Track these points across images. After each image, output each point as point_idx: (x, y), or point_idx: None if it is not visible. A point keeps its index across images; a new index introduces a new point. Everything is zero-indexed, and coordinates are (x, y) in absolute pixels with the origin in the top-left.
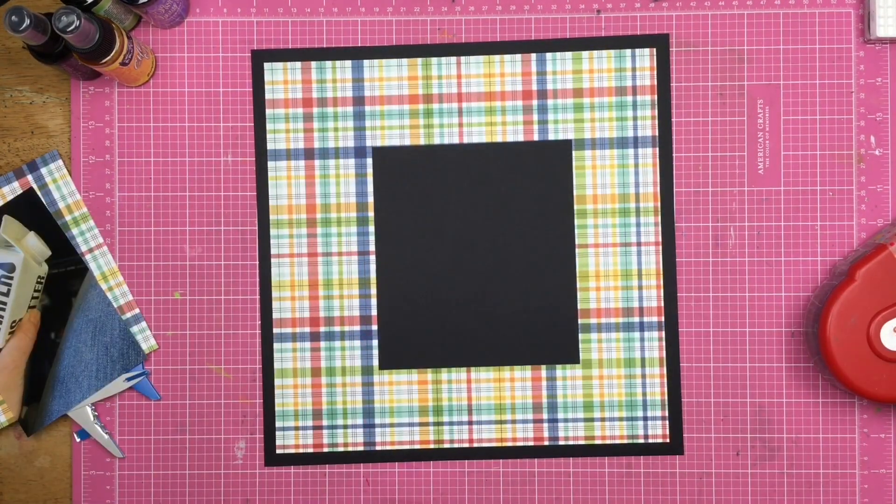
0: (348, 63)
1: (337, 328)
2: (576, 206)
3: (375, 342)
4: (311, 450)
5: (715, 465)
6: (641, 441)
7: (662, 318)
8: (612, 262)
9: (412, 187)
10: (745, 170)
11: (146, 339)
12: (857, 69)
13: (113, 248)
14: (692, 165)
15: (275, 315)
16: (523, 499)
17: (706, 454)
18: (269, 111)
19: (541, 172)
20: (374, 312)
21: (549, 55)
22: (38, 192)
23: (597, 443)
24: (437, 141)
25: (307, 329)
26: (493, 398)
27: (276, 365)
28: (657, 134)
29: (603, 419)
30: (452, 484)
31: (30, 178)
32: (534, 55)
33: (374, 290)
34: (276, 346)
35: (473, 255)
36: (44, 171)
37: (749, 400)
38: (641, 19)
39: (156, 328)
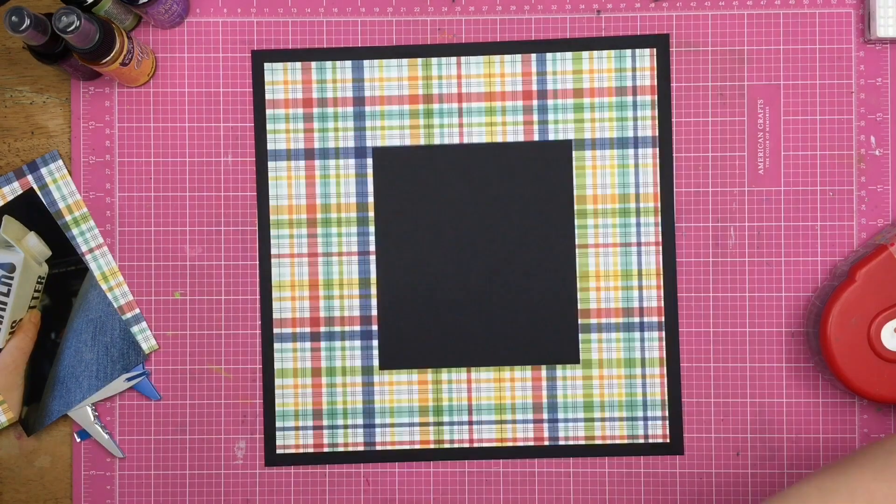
0: (348, 63)
1: (337, 328)
2: (576, 206)
3: (375, 342)
4: (311, 450)
5: (715, 465)
6: (641, 441)
7: (662, 318)
8: (612, 262)
9: (412, 187)
10: (745, 170)
11: (146, 339)
12: (857, 69)
13: (113, 248)
14: (692, 165)
15: (275, 315)
16: (523, 499)
17: (706, 454)
18: (269, 111)
19: (541, 172)
20: (374, 312)
21: (549, 55)
22: (39, 193)
23: (597, 443)
24: (437, 141)
25: (307, 329)
26: (493, 398)
27: (276, 365)
28: (657, 134)
29: (603, 419)
30: (452, 484)
31: (30, 178)
32: (534, 55)
33: (374, 290)
34: (276, 346)
35: (473, 255)
36: (44, 171)
37: (749, 400)
38: (641, 19)
39: (156, 328)
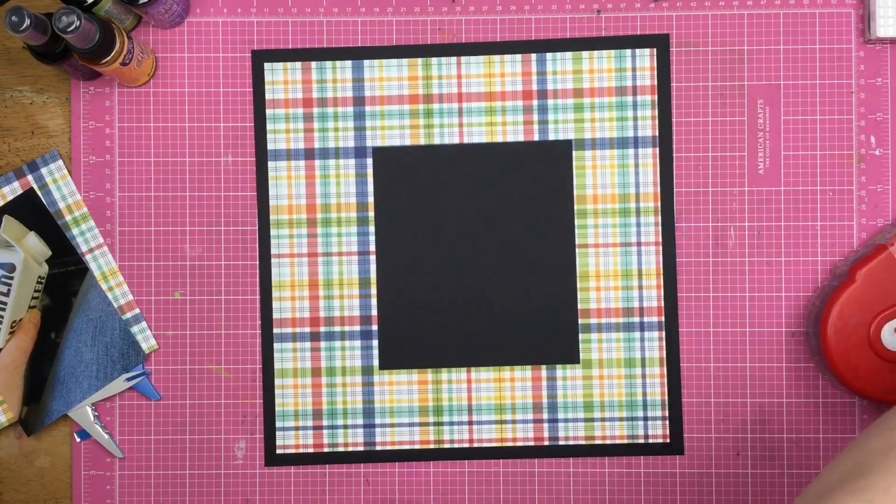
0: (348, 63)
1: (337, 328)
2: (576, 206)
3: (375, 342)
4: (311, 450)
5: (715, 465)
6: (642, 441)
7: (662, 318)
8: (612, 262)
9: (412, 187)
10: (745, 170)
11: (146, 339)
12: (857, 69)
13: (113, 248)
14: (692, 165)
15: (275, 315)
16: (523, 499)
17: (706, 454)
18: (269, 111)
19: (541, 172)
20: (374, 312)
21: (549, 55)
22: (39, 192)
23: (597, 443)
24: (437, 141)
25: (307, 329)
26: (493, 398)
27: (276, 365)
28: (657, 134)
29: (603, 419)
30: (452, 484)
31: (30, 178)
32: (534, 55)
33: (374, 290)
34: (276, 346)
35: (473, 255)
36: (44, 171)
37: (749, 400)
38: (641, 19)
39: (156, 328)
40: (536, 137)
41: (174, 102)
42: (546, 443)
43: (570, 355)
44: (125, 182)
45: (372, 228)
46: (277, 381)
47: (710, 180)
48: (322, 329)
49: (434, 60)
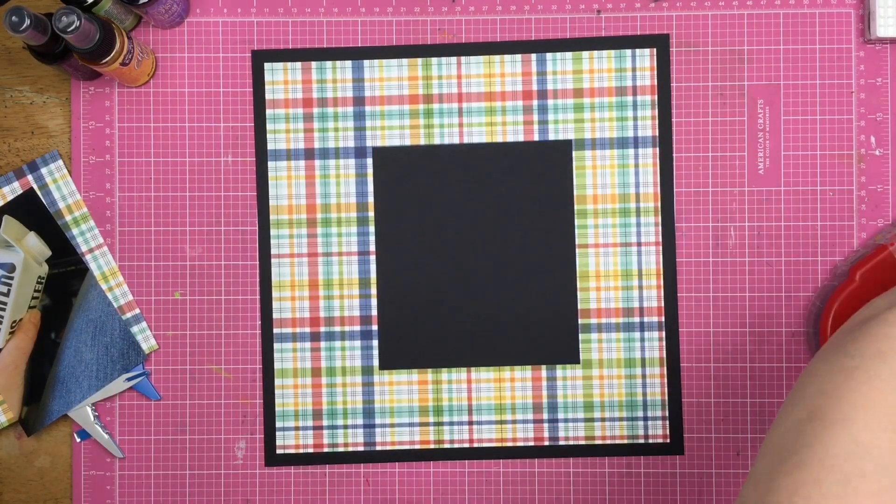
0: (348, 63)
1: (337, 328)
2: (576, 206)
3: (375, 342)
4: (311, 450)
5: (715, 465)
6: (642, 441)
7: (662, 318)
8: (612, 262)
9: (412, 187)
10: (745, 170)
11: (146, 339)
12: (857, 69)
13: (113, 248)
14: (692, 165)
15: (275, 315)
16: (523, 499)
17: (706, 454)
18: (269, 111)
19: (541, 172)
20: (374, 312)
21: (549, 55)
22: (39, 192)
23: (597, 443)
24: (437, 141)
25: (307, 329)
26: (493, 398)
27: (276, 365)
28: (657, 134)
29: (603, 419)
30: (452, 484)
31: (30, 178)
32: (534, 55)
33: (374, 290)
34: (276, 346)
35: (473, 255)
36: (44, 171)
37: (749, 400)
38: (641, 19)
39: (156, 328)
40: (536, 137)
41: (174, 102)
42: (546, 443)
43: (570, 355)
44: (125, 182)
45: (372, 228)
46: (277, 381)
47: (710, 180)
48: (322, 329)
49: (434, 60)
